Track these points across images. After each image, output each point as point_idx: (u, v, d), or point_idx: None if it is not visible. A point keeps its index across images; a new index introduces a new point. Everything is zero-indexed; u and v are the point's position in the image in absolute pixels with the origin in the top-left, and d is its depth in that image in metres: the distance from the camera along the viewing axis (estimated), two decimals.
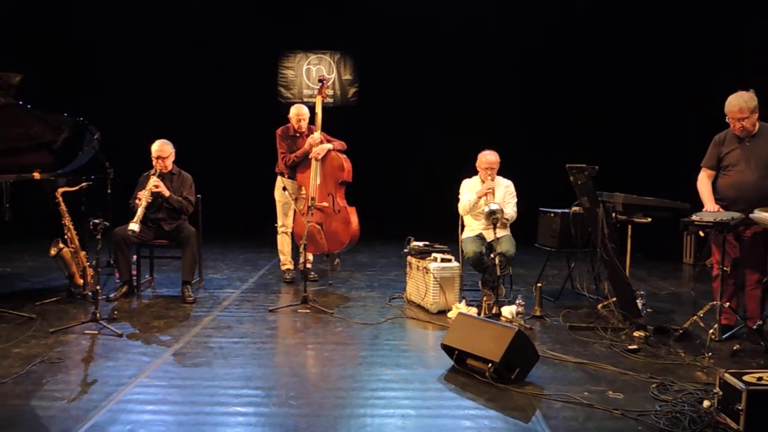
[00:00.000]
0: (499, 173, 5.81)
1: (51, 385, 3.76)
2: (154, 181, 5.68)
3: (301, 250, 5.70)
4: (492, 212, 5.37)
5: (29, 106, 5.70)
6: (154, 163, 5.83)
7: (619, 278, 4.99)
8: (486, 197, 5.60)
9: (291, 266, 6.70)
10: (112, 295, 5.71)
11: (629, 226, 5.38)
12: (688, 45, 8.97)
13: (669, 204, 5.06)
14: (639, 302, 5.04)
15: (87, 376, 3.93)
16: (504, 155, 5.83)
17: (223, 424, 3.34)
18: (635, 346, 4.50)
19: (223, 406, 3.54)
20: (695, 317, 4.74)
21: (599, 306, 5.38)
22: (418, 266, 5.70)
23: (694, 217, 4.61)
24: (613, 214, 5.11)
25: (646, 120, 9.59)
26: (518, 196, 5.83)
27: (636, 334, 4.78)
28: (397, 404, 3.61)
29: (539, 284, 5.52)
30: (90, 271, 5.61)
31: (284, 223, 6.62)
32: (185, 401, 3.62)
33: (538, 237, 6.44)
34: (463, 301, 5.51)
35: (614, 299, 5.13)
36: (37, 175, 5.93)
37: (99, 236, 4.88)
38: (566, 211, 5.83)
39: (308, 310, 5.48)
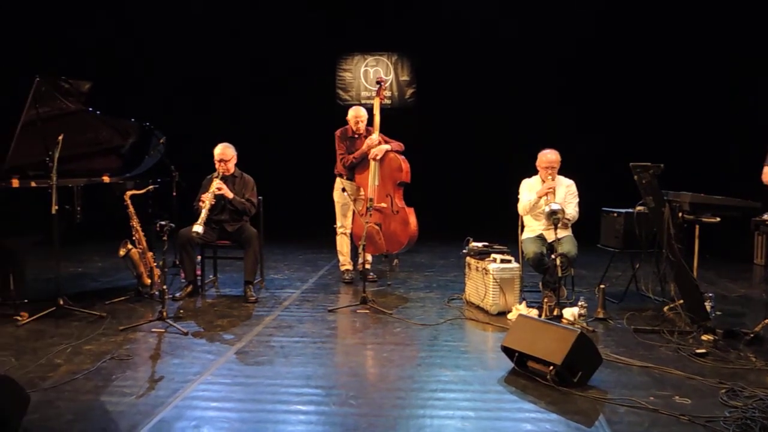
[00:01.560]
0: (561, 173, 5.72)
1: (120, 381, 3.89)
2: (216, 184, 5.81)
3: (360, 250, 5.74)
4: (553, 212, 5.29)
5: (98, 112, 5.90)
6: (216, 166, 5.96)
7: (687, 280, 4.84)
8: (546, 197, 5.52)
9: (350, 267, 6.75)
10: (177, 295, 5.87)
11: (697, 226, 5.21)
12: (757, 38, 8.63)
13: (739, 203, 4.88)
14: (707, 305, 4.88)
15: (154, 373, 4.05)
16: (565, 154, 5.73)
17: (285, 422, 3.39)
18: (703, 350, 4.36)
19: (284, 405, 3.60)
20: (767, 321, 4.56)
21: (665, 308, 5.23)
22: (477, 267, 5.66)
23: (765, 217, 4.44)
24: (680, 214, 4.96)
25: (714, 116, 9.26)
26: (580, 195, 5.72)
27: (704, 337, 4.63)
28: (456, 406, 3.59)
29: (602, 286, 5.41)
30: (157, 271, 5.79)
31: (343, 224, 6.68)
32: (248, 399, 3.69)
33: (600, 238, 6.30)
34: (524, 302, 5.44)
35: (681, 301, 4.98)
36: (106, 179, 6.17)
37: (165, 237, 5.02)
38: (630, 210, 5.68)
39: (367, 311, 5.51)
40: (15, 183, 5.57)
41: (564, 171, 5.75)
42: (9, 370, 3.96)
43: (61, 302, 5.20)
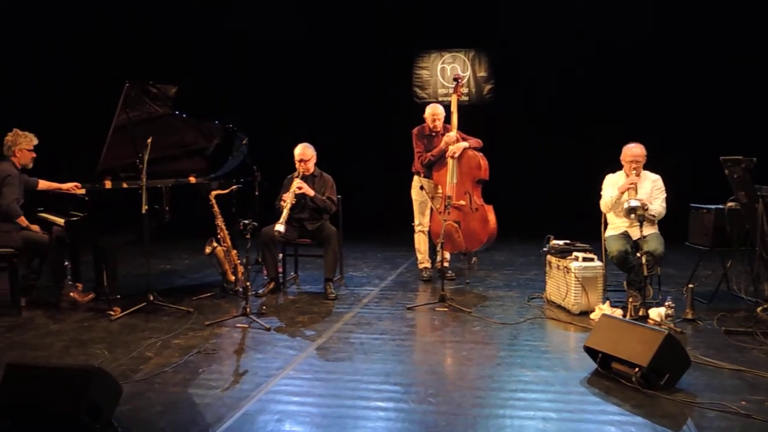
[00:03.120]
0: (648, 168, 5.52)
1: (207, 374, 4.02)
2: (297, 183, 5.92)
3: (438, 248, 5.73)
4: (632, 209, 5.12)
5: (184, 115, 6.10)
6: (296, 166, 6.07)
7: None
8: (628, 192, 5.34)
9: (428, 265, 6.75)
10: (260, 291, 6.02)
11: None
12: None
13: None
14: None
15: (239, 367, 4.17)
16: (652, 148, 5.53)
17: (365, 418, 3.42)
18: None
19: (364, 401, 3.64)
20: None
21: (759, 309, 4.98)
22: (558, 265, 5.55)
23: None
24: None
25: None
26: (667, 191, 5.50)
27: None
28: (537, 406, 3.53)
29: (691, 285, 5.20)
30: (241, 269, 5.96)
31: (421, 221, 6.68)
32: (328, 394, 3.75)
33: (689, 235, 6.04)
34: (607, 302, 5.30)
35: None
36: (192, 180, 6.39)
37: (248, 236, 5.15)
38: (721, 207, 5.43)
39: (446, 309, 5.50)
40: (107, 184, 5.86)
41: (651, 166, 5.55)
42: (103, 362, 4.16)
43: (152, 298, 5.42)
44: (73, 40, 9.32)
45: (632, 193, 5.33)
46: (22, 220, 5.53)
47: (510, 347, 4.54)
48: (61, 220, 5.55)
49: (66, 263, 5.91)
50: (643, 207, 5.15)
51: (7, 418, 3.25)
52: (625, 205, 5.21)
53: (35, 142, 5.70)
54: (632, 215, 5.14)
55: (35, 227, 5.61)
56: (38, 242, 5.56)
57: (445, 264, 6.41)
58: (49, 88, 9.18)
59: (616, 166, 5.61)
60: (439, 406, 3.54)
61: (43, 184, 5.88)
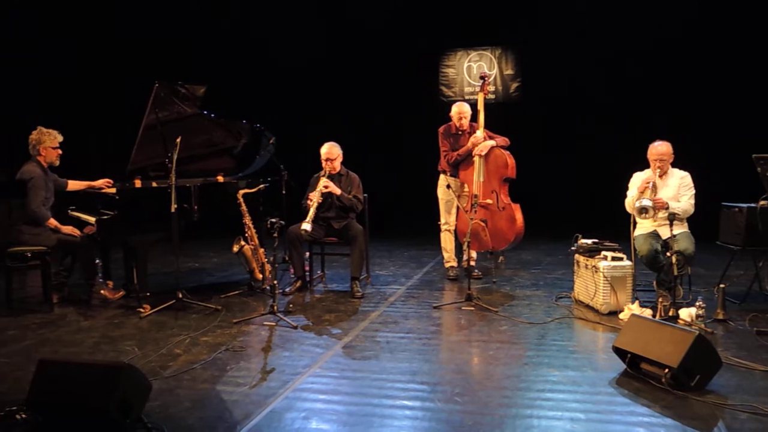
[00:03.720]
0: (678, 164, 5.43)
1: (234, 371, 4.06)
2: (323, 182, 5.94)
3: (465, 247, 5.71)
4: (642, 209, 5.07)
5: (212, 114, 6.16)
6: (323, 164, 6.09)
7: None
8: (646, 191, 5.26)
9: (455, 264, 6.73)
10: (287, 290, 6.05)
11: None
12: None
13: None
14: None
15: (266, 365, 4.20)
16: (684, 146, 5.44)
17: (391, 416, 3.43)
18: None
19: (390, 399, 3.64)
20: None
21: None
22: (586, 265, 5.50)
23: None
24: None
25: None
26: (698, 188, 5.39)
27: None
28: (565, 407, 3.50)
29: (722, 285, 5.11)
30: (268, 267, 5.99)
31: (447, 220, 6.66)
32: (355, 392, 3.75)
33: (720, 234, 5.94)
34: (636, 302, 5.24)
35: None
36: (220, 179, 6.45)
37: (275, 234, 5.18)
38: (753, 205, 5.34)
39: (472, 308, 5.48)
40: (137, 183, 5.94)
41: (683, 163, 5.45)
42: (133, 359, 4.23)
43: (180, 295, 5.48)
44: (102, 41, 9.45)
45: (649, 192, 5.25)
46: (51, 223, 5.59)
47: (537, 347, 4.51)
48: (92, 219, 5.63)
49: (97, 261, 5.99)
50: (658, 207, 5.08)
51: (39, 413, 3.31)
52: (636, 204, 5.15)
53: (60, 139, 5.74)
54: (643, 215, 5.09)
55: (68, 228, 5.67)
56: (70, 241, 5.64)
57: (472, 263, 6.38)
58: (79, 88, 9.32)
59: (645, 164, 5.54)
60: (466, 405, 3.53)
61: (73, 185, 5.97)
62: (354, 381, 3.93)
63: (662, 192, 5.32)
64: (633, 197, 5.39)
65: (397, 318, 5.25)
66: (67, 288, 5.94)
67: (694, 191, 5.35)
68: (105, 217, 5.48)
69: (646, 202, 5.10)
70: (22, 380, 3.70)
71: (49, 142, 5.67)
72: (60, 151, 5.75)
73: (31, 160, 5.67)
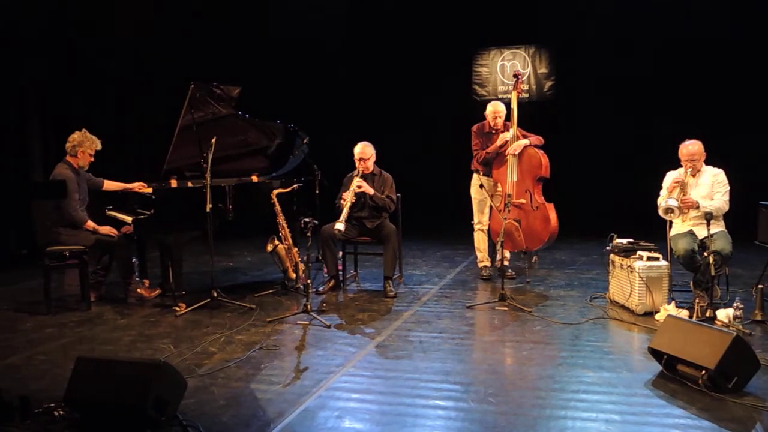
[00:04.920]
0: (716, 163, 5.33)
1: (268, 370, 4.10)
2: (357, 182, 5.96)
3: (498, 247, 5.68)
4: (668, 209, 5.00)
5: (247, 115, 6.22)
6: (356, 164, 6.11)
7: None
8: (676, 191, 5.17)
9: (488, 263, 6.70)
10: (320, 289, 6.08)
11: None
12: None
13: None
14: None
15: (299, 363, 4.23)
16: (722, 145, 5.33)
17: (424, 416, 3.43)
18: None
19: (423, 399, 3.64)
20: None
21: None
22: (621, 265, 5.43)
23: None
24: None
25: None
26: (734, 186, 5.27)
27: None
28: (600, 408, 3.47)
29: (760, 286, 4.99)
30: (302, 266, 6.04)
31: (480, 220, 6.63)
32: (388, 392, 3.76)
33: (758, 233, 5.80)
34: (673, 302, 5.15)
35: None
36: (255, 179, 6.51)
37: (309, 234, 5.21)
38: None
39: (506, 308, 5.44)
40: (173, 183, 6.02)
41: (721, 162, 5.34)
42: (168, 357, 4.29)
43: (215, 294, 5.54)
44: (140, 43, 9.59)
45: (678, 192, 5.17)
46: (89, 225, 5.68)
47: (572, 348, 4.46)
48: (129, 218, 5.72)
49: (133, 260, 6.10)
50: (686, 207, 5.01)
51: (77, 410, 3.38)
52: (662, 204, 5.07)
53: (98, 147, 5.81)
54: (669, 215, 5.02)
55: (105, 228, 5.76)
56: (107, 241, 5.75)
57: (505, 263, 6.34)
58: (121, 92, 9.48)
59: (679, 164, 5.44)
60: (499, 405, 3.51)
61: (109, 185, 6.06)
62: (387, 380, 3.94)
63: (695, 191, 5.24)
64: (662, 198, 5.32)
65: (430, 318, 5.24)
66: (104, 287, 6.05)
67: (728, 188, 5.24)
68: (142, 216, 5.57)
69: (672, 202, 5.04)
70: (60, 377, 3.77)
71: (88, 147, 5.74)
72: (93, 159, 5.82)
73: (62, 162, 5.77)
